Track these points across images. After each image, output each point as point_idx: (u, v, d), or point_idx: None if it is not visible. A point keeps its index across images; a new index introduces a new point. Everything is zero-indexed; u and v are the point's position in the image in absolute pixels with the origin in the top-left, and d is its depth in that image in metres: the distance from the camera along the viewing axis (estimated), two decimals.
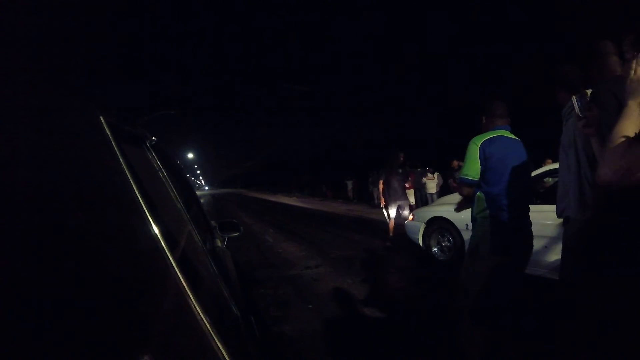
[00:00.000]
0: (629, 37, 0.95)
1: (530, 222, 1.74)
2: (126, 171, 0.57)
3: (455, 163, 9.25)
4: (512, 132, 1.83)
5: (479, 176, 1.71)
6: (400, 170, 5.33)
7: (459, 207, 2.06)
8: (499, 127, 1.81)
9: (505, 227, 1.65)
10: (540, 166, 3.52)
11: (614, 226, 0.90)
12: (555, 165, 3.12)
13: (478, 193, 1.74)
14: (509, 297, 1.75)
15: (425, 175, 10.05)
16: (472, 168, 1.72)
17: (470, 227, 1.84)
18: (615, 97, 1.12)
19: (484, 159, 1.70)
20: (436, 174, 9.92)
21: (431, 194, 9.73)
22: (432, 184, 9.78)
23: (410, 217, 4.81)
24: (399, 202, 5.24)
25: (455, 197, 4.86)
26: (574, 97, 1.20)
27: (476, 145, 1.73)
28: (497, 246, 1.64)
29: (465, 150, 1.78)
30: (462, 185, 1.82)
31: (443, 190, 9.69)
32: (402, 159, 5.36)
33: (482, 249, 1.67)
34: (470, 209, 1.84)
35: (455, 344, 1.81)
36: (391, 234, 5.45)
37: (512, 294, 1.78)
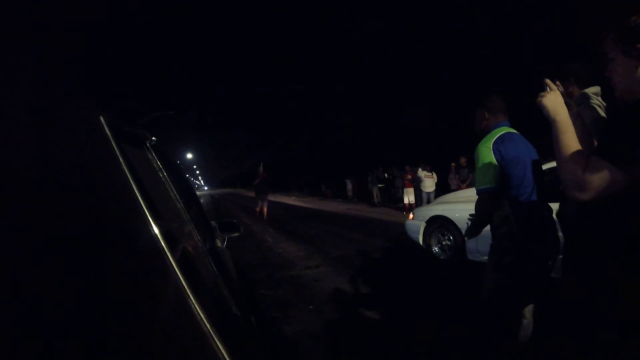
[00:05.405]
0: (610, 35, 0.94)
1: (555, 223, 1.57)
2: (126, 171, 0.57)
3: (463, 160, 9.20)
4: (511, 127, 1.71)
5: (498, 182, 1.54)
6: (265, 176, 9.29)
7: (475, 230, 1.69)
8: (501, 123, 1.69)
9: (535, 232, 1.51)
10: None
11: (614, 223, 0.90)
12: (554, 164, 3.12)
13: (500, 199, 1.58)
14: (531, 301, 1.68)
15: (417, 173, 10.00)
16: (490, 174, 1.54)
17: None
18: None
19: (500, 159, 1.53)
20: (433, 173, 9.88)
21: (428, 193, 9.64)
22: (429, 182, 9.72)
23: (411, 216, 4.82)
24: (262, 197, 9.44)
25: (455, 196, 4.87)
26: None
27: (488, 148, 1.57)
28: (529, 256, 1.49)
29: (475, 157, 1.62)
30: (482, 198, 1.58)
31: (440, 189, 9.65)
32: (261, 169, 9.19)
33: (511, 259, 1.51)
34: (466, 211, 1.75)
35: (457, 344, 1.80)
36: (257, 215, 9.60)
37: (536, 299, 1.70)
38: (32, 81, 0.46)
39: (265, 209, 9.45)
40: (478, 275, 1.81)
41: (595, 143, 1.13)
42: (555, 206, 1.67)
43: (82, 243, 0.38)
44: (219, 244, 1.84)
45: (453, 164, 9.70)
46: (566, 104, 1.06)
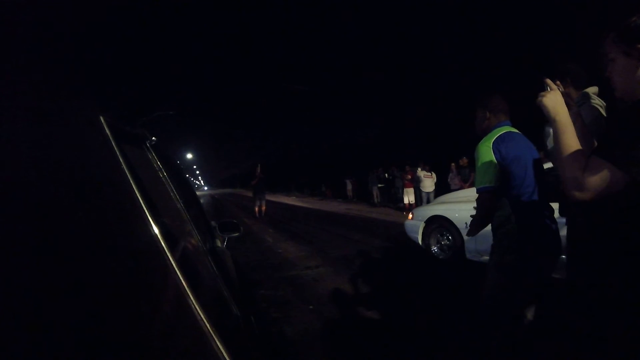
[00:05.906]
0: (609, 35, 0.94)
1: (556, 223, 1.58)
2: (126, 171, 0.57)
3: (465, 160, 9.20)
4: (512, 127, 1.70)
5: (499, 181, 1.53)
6: (262, 176, 10.26)
7: (475, 229, 1.67)
8: (502, 122, 1.68)
9: (535, 233, 1.51)
10: None
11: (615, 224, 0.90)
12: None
13: (501, 198, 1.57)
14: (531, 302, 1.66)
15: (416, 172, 9.99)
16: (490, 174, 1.53)
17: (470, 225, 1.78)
18: None
19: (500, 159, 1.53)
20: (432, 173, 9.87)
21: (427, 193, 9.63)
22: (428, 182, 9.71)
23: (410, 216, 4.82)
24: (260, 196, 10.43)
25: (454, 196, 4.87)
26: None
27: (488, 147, 1.56)
28: (530, 255, 1.49)
29: (475, 156, 1.61)
30: (483, 197, 1.57)
31: (439, 189, 9.64)
32: (259, 170, 10.10)
33: (511, 259, 1.51)
34: (465, 211, 1.74)
35: (457, 344, 1.80)
36: (257, 215, 10.39)
37: (534, 298, 1.68)
38: (32, 81, 0.46)
39: (264, 207, 10.52)
40: (477, 275, 1.81)
41: (595, 143, 1.13)
42: (555, 206, 1.67)
43: (81, 243, 0.38)
44: (219, 244, 1.84)
45: (453, 164, 9.70)
46: (566, 103, 1.06)
